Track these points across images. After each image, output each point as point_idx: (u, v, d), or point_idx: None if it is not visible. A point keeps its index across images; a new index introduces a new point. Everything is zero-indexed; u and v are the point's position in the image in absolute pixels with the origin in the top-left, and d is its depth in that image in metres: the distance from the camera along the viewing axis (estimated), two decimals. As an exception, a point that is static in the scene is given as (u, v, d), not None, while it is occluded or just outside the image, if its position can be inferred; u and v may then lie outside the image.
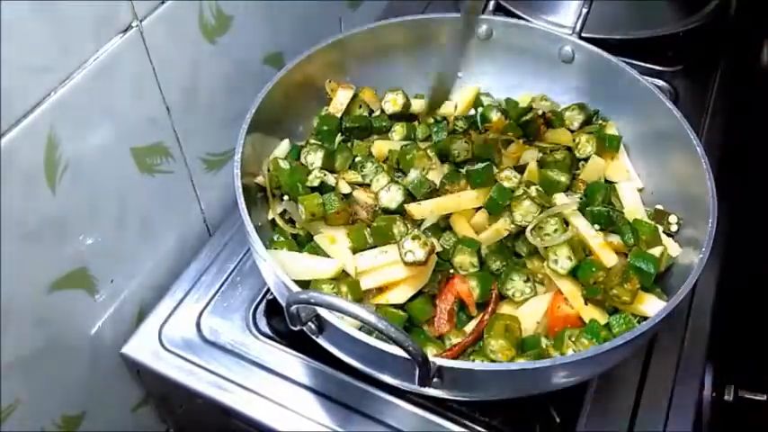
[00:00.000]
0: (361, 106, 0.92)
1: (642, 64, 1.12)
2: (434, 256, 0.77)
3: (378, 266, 0.78)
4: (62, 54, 0.68)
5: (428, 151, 0.87)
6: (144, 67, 0.79)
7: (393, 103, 0.94)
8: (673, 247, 0.80)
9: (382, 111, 0.95)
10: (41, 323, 0.77)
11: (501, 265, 0.80)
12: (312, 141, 0.90)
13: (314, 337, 0.70)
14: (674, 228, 0.83)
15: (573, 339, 0.72)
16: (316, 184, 0.83)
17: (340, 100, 0.92)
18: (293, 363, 0.84)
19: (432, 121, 0.94)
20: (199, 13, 0.84)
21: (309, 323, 0.67)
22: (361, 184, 0.87)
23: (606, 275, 0.75)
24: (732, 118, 1.09)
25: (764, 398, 0.91)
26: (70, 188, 0.74)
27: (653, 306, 0.74)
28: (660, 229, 0.81)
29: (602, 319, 0.74)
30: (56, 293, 0.77)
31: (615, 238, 0.80)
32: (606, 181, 0.88)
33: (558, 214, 0.78)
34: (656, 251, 0.78)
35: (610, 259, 0.76)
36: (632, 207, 0.84)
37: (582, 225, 0.79)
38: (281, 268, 0.69)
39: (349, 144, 0.91)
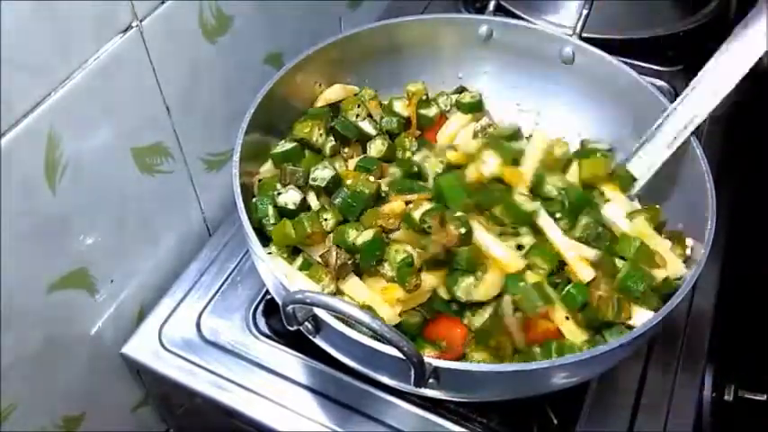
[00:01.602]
0: (359, 105, 0.92)
1: (642, 64, 1.12)
2: (422, 288, 0.74)
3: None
4: (62, 54, 0.68)
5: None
6: (144, 67, 0.79)
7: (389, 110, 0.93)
8: (679, 268, 0.77)
9: (371, 116, 0.93)
10: (41, 323, 0.77)
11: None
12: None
13: (311, 336, 0.70)
14: (688, 251, 0.78)
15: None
16: (291, 207, 0.79)
17: (326, 96, 0.92)
18: (293, 363, 0.84)
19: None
20: (199, 13, 0.84)
21: (306, 323, 0.67)
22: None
23: (598, 303, 0.73)
24: (732, 118, 1.09)
25: (764, 398, 0.92)
26: (70, 188, 0.74)
27: (643, 318, 0.73)
28: (668, 247, 0.79)
29: (582, 335, 0.74)
30: (56, 293, 0.77)
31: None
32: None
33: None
34: (659, 273, 0.75)
35: (585, 274, 0.75)
36: (613, 218, 0.82)
37: (553, 232, 0.77)
38: (278, 268, 0.69)
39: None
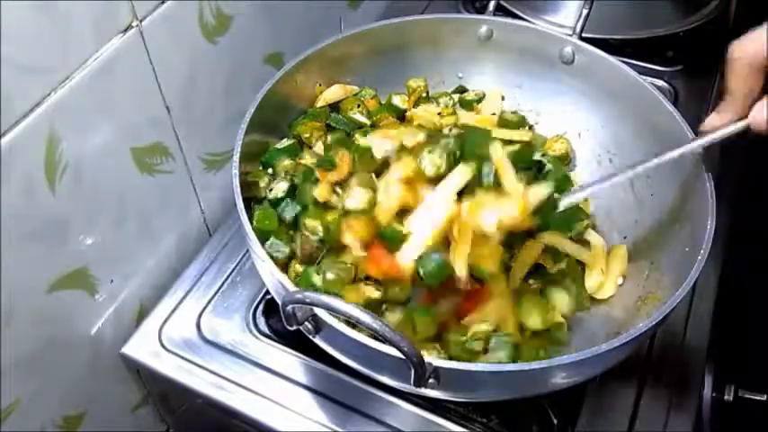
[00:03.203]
0: (359, 105, 0.92)
1: (642, 64, 1.12)
2: None
3: None
4: (62, 54, 0.68)
5: None
6: (144, 67, 0.79)
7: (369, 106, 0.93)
8: None
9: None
10: (41, 323, 0.77)
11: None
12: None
13: (311, 336, 0.70)
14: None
15: None
16: (289, 217, 0.80)
17: (326, 96, 0.92)
18: (293, 362, 0.84)
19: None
20: (199, 13, 0.84)
21: (306, 323, 0.67)
22: None
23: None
24: (732, 118, 1.09)
25: (764, 398, 0.91)
26: (70, 188, 0.74)
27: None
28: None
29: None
30: (56, 293, 0.77)
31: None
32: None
33: None
34: None
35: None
36: None
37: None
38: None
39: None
